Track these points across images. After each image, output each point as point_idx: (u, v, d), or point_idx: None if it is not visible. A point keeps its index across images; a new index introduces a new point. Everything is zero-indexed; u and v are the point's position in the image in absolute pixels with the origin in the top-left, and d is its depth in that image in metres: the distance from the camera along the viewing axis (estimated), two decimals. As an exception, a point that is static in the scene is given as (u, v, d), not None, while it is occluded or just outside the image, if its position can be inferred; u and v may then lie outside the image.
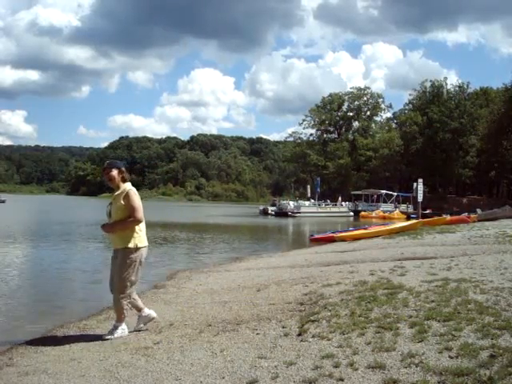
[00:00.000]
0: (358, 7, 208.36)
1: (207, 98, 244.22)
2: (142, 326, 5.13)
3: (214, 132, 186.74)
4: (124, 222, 4.82)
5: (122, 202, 4.82)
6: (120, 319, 4.96)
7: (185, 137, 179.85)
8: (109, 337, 4.83)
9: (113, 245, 5.02)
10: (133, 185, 5.02)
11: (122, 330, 4.95)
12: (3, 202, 56.61)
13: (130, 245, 4.84)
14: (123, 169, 4.99)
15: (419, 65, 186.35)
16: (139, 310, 5.12)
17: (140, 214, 4.84)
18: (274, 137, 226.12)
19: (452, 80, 77.86)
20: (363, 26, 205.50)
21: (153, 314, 5.17)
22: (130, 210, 4.81)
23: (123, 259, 4.84)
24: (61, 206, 56.94)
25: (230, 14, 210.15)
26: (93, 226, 22.65)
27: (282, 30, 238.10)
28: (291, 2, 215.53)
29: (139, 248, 4.89)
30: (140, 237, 4.92)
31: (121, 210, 4.83)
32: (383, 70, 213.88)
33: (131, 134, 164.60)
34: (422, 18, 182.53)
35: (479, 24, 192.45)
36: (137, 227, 4.88)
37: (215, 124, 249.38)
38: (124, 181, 4.97)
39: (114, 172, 4.91)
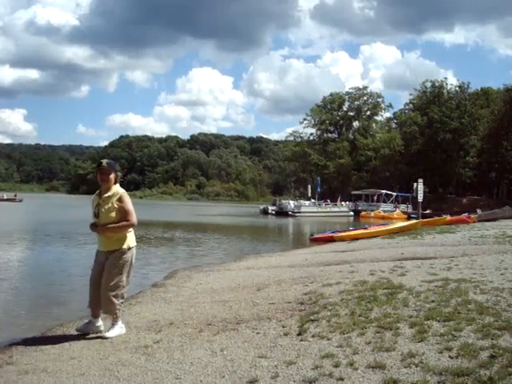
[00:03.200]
0: (354, 8, 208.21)
1: (206, 97, 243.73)
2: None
3: (213, 131, 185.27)
4: (119, 225, 4.80)
5: (115, 204, 4.81)
6: (115, 319, 4.92)
7: (184, 136, 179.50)
8: (108, 335, 4.82)
9: (102, 247, 4.94)
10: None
11: (120, 327, 4.94)
12: (20, 201, 58.09)
13: (124, 246, 4.85)
14: (118, 173, 4.99)
15: (417, 66, 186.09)
16: (97, 315, 4.97)
17: (134, 218, 4.87)
18: (272, 136, 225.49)
19: (450, 81, 77.95)
20: (359, 26, 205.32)
21: (101, 327, 4.98)
22: (124, 213, 4.81)
23: (116, 260, 4.82)
24: (69, 205, 56.92)
25: (226, 14, 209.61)
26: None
27: (279, 30, 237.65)
28: (288, 2, 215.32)
29: (131, 248, 4.92)
30: (131, 237, 4.95)
31: (113, 212, 4.81)
32: (381, 70, 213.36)
33: (130, 133, 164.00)
34: (417, 19, 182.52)
35: (475, 25, 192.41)
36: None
37: (214, 123, 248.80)
38: (115, 183, 4.95)
39: (112, 175, 4.90)
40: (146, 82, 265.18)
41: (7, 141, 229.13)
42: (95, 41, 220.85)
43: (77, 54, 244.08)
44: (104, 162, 4.97)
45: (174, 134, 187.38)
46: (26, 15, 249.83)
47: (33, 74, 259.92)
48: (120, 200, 4.82)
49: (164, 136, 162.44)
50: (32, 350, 4.58)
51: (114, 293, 4.79)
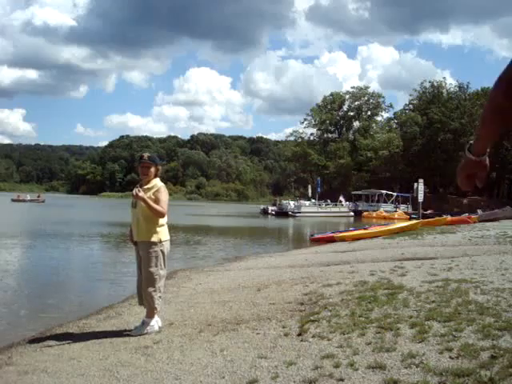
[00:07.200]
0: (348, 9, 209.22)
1: (204, 97, 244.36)
2: (145, 332, 4.89)
3: (212, 131, 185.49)
4: (154, 205, 4.81)
5: (153, 196, 4.89)
6: (150, 315, 4.93)
7: (182, 136, 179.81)
8: (136, 333, 4.83)
9: (136, 236, 5.01)
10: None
11: (151, 326, 4.91)
12: (43, 201, 59.50)
13: (154, 238, 4.89)
14: (159, 167, 5.07)
15: (414, 66, 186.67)
16: (151, 315, 4.96)
17: (166, 207, 4.93)
18: (271, 136, 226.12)
19: (448, 81, 77.93)
20: (355, 27, 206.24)
21: (156, 327, 4.97)
22: (157, 202, 4.87)
23: (148, 253, 4.88)
24: (79, 205, 56.92)
25: (223, 14, 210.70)
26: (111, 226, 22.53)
27: (276, 30, 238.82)
28: (283, 3, 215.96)
29: (162, 241, 4.95)
30: (163, 230, 4.99)
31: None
32: (378, 70, 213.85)
33: (129, 133, 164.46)
34: (411, 20, 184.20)
35: (469, 26, 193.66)
36: (160, 221, 4.95)
37: (212, 123, 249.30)
38: (156, 176, 5.04)
39: (153, 169, 4.98)
40: (144, 83, 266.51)
41: (6, 141, 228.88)
42: (93, 41, 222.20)
43: (75, 54, 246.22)
44: (145, 155, 5.07)
45: (172, 134, 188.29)
46: (24, 16, 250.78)
47: (31, 74, 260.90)
48: (158, 192, 4.92)
49: (163, 136, 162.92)
50: (31, 350, 4.57)
51: (151, 287, 4.89)
